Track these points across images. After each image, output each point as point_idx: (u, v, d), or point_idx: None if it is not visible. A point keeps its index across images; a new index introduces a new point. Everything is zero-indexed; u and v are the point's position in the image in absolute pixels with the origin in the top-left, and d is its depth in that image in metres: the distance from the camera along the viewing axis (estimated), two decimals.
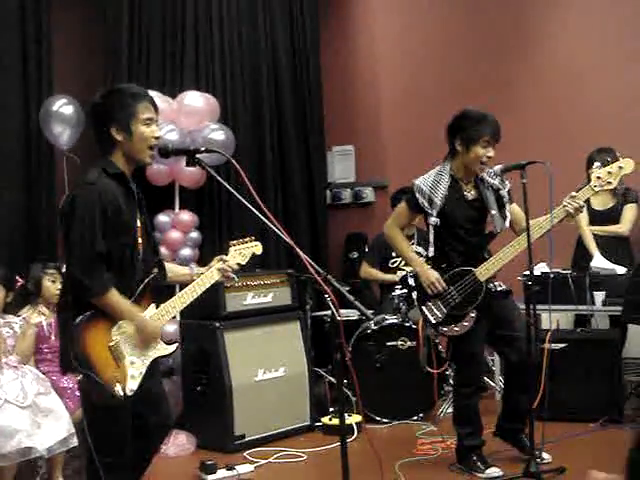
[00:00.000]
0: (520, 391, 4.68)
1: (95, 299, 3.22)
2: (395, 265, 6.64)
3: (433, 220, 4.65)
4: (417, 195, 4.70)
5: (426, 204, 4.66)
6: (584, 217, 6.20)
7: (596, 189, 4.49)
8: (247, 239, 3.80)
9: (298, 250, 3.10)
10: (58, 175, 5.84)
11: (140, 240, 3.42)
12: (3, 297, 4.64)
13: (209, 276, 3.64)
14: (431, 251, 4.69)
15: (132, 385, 3.29)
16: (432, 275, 4.65)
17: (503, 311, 4.71)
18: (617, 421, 5.49)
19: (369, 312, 3.21)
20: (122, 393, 3.24)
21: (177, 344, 3.62)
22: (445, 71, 7.31)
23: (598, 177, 4.48)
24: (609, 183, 4.48)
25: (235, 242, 3.77)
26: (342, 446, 3.06)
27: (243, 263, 3.76)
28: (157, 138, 3.43)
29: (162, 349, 3.47)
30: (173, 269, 3.77)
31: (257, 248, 3.82)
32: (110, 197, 3.28)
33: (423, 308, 4.74)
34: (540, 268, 5.75)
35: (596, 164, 4.75)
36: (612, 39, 6.81)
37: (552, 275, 5.72)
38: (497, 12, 7.20)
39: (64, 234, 3.28)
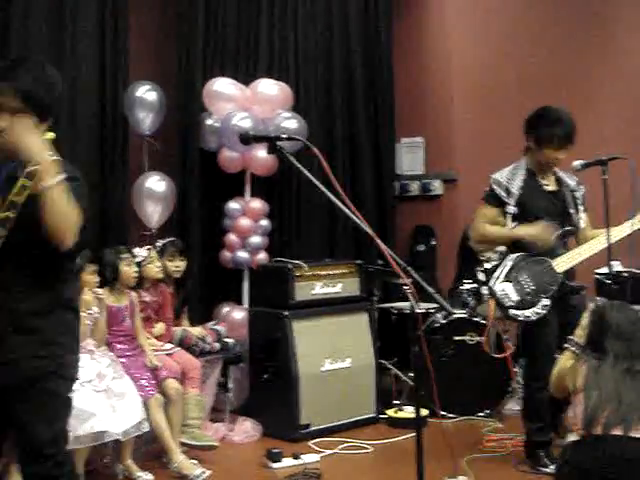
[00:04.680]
0: None
1: None
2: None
3: (511, 209, 4.72)
4: (494, 187, 4.79)
5: (503, 194, 4.75)
6: None
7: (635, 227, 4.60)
8: None
9: (378, 241, 3.04)
10: (134, 160, 5.88)
11: None
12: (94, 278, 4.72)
13: None
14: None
15: None
16: (535, 227, 4.64)
17: (571, 314, 4.62)
18: None
19: (449, 305, 3.17)
20: None
21: None
22: (520, 65, 7.19)
23: None
24: None
25: None
26: (417, 438, 3.01)
27: None
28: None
29: None
30: None
31: None
32: None
33: (496, 290, 4.68)
34: (614, 266, 5.64)
35: None
36: None
37: (627, 274, 5.62)
38: (577, 4, 7.06)
39: None
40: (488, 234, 4.83)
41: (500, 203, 4.77)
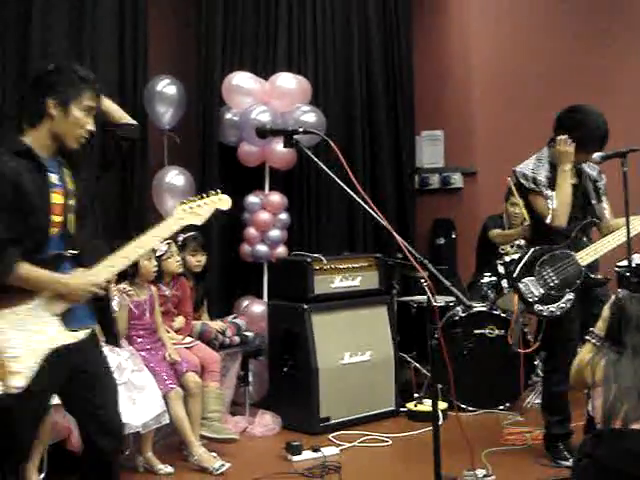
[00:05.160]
0: None
1: (5, 279, 2.94)
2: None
3: (548, 193, 4.61)
4: (522, 181, 4.72)
5: (532, 185, 4.67)
6: None
7: None
8: None
9: (395, 234, 3.05)
10: (154, 154, 5.90)
11: (60, 218, 3.09)
12: None
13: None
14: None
15: (15, 382, 2.88)
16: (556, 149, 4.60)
17: (595, 307, 4.51)
18: None
19: (466, 299, 3.17)
20: None
21: (88, 330, 3.14)
22: (539, 57, 7.14)
23: None
24: None
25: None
26: (434, 430, 3.03)
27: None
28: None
29: (63, 337, 3.01)
30: None
31: None
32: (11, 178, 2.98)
33: (519, 285, 4.61)
34: (635, 259, 5.60)
35: None
36: None
37: None
38: None
39: None
40: (563, 209, 4.61)
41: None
